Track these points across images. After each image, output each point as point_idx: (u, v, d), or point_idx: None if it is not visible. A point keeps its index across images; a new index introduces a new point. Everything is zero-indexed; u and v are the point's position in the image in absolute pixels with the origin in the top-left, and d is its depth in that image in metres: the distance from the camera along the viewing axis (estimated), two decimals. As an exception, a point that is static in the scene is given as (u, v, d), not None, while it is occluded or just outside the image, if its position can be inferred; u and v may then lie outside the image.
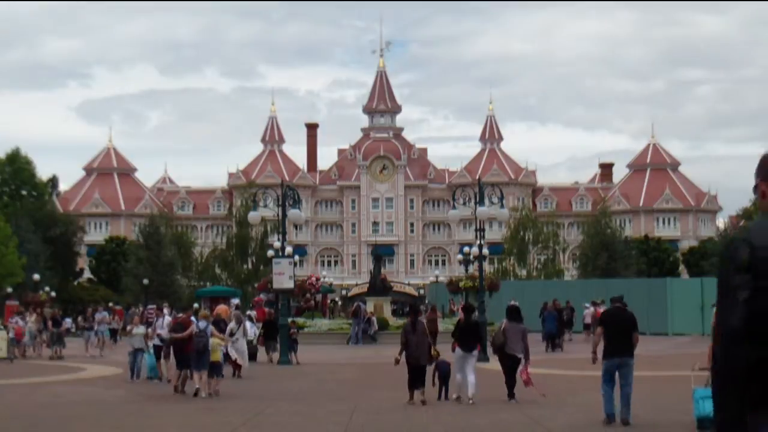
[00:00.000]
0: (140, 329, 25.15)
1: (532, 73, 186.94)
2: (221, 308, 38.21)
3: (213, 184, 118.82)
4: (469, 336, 18.65)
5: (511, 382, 18.21)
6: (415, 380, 18.06)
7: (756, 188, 3.90)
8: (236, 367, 25.06)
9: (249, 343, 34.25)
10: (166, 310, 32.67)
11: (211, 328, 21.78)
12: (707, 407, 12.69)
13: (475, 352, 18.68)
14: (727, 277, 3.77)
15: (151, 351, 24.78)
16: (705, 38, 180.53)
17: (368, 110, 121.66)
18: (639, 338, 14.99)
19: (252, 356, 33.01)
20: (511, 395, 18.23)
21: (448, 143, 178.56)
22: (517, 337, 18.04)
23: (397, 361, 18.33)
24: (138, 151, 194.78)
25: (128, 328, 26.82)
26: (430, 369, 18.84)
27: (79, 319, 54.06)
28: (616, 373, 14.47)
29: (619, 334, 14.53)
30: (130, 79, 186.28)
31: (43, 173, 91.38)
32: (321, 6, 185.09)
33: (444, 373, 18.81)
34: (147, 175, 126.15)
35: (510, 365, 18.17)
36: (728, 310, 3.73)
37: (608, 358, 14.59)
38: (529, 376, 18.16)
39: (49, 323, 36.84)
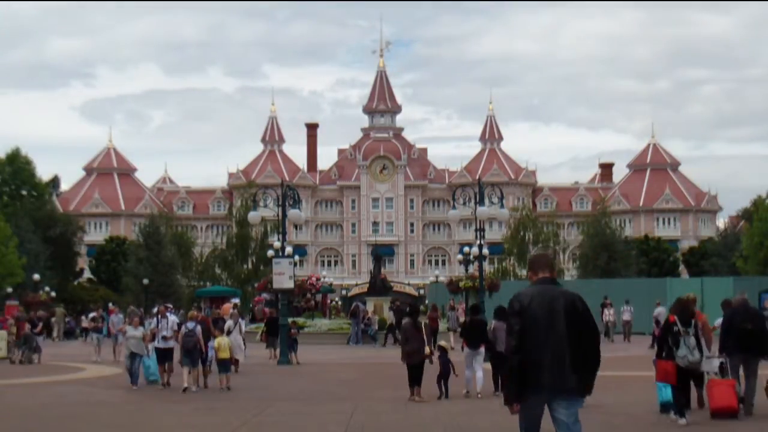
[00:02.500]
0: (138, 331, 22.72)
1: (536, 73, 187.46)
2: (225, 307, 39.06)
3: (213, 184, 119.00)
4: (476, 335, 19.44)
5: (498, 378, 19.17)
6: (414, 378, 18.75)
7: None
8: (233, 362, 25.08)
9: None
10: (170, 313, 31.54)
11: (198, 328, 22.21)
12: (667, 394, 14.50)
13: (482, 350, 19.45)
14: (510, 317, 7.82)
15: (151, 354, 23.01)
16: (710, 38, 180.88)
17: (368, 110, 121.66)
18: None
19: None
20: (497, 389, 19.22)
21: (450, 143, 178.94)
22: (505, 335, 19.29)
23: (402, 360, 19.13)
24: (140, 151, 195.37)
25: (124, 329, 24.78)
26: (431, 367, 19.47)
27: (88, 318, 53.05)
28: None
29: None
30: (134, 78, 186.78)
31: (45, 173, 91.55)
32: (325, 6, 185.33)
33: (444, 372, 19.20)
34: (147, 175, 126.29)
35: (501, 362, 18.90)
36: (510, 335, 7.77)
37: None
38: None
39: (26, 325, 33.88)
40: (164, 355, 22.40)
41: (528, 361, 7.58)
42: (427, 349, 19.01)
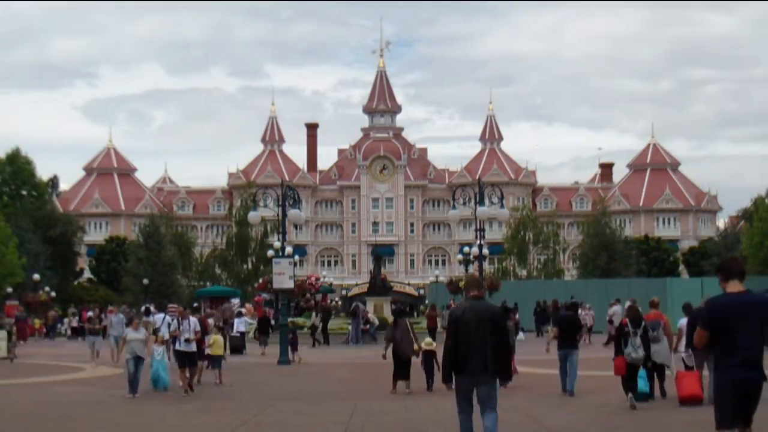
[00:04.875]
0: (139, 333, 20.92)
1: (539, 73, 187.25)
2: (248, 307, 40.34)
3: (213, 184, 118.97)
4: None
5: None
6: (401, 372, 20.28)
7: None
8: (209, 359, 24.82)
9: (238, 336, 36.52)
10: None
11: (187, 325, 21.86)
12: (642, 385, 17.02)
13: None
14: (448, 324, 10.92)
15: (158, 357, 21.25)
16: (713, 38, 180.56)
17: (368, 110, 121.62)
18: (584, 336, 20.34)
19: (238, 350, 35.35)
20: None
21: (453, 143, 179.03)
22: None
23: (384, 357, 20.93)
24: (142, 151, 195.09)
25: (125, 332, 23.09)
26: (417, 361, 20.86)
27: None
28: (566, 360, 19.09)
29: (567, 333, 19.21)
30: (137, 78, 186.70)
31: (46, 173, 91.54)
32: (329, 6, 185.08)
33: (429, 365, 20.43)
34: (147, 175, 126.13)
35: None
36: (449, 335, 10.70)
37: (560, 350, 19.17)
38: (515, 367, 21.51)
39: None
40: (186, 359, 20.87)
41: (460, 355, 10.51)
42: (415, 346, 20.46)
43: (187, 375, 20.84)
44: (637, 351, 16.57)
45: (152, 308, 44.17)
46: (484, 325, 10.49)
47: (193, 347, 21.02)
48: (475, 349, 10.45)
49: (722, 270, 8.50)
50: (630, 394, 16.57)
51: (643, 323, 16.98)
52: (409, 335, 20.52)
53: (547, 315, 48.83)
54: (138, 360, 20.50)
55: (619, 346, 16.88)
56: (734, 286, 8.38)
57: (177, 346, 20.99)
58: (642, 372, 17.09)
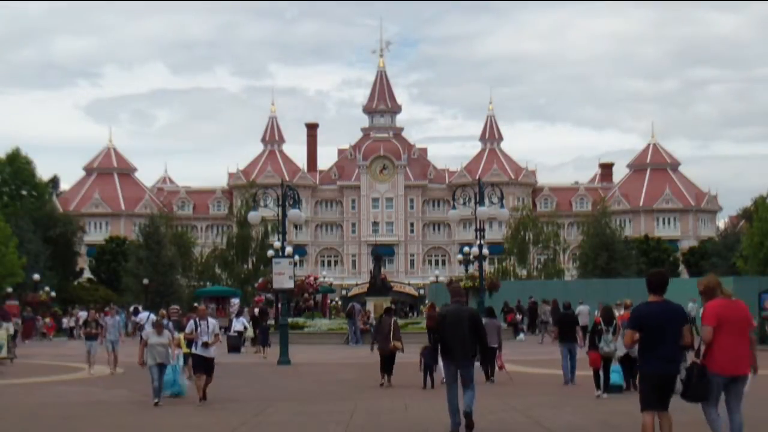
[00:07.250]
0: (163, 338, 19.44)
1: (543, 73, 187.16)
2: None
3: (213, 184, 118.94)
4: None
5: (488, 368, 22.42)
6: (385, 366, 22.03)
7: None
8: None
9: (235, 336, 37.23)
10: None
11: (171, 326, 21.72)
12: (617, 378, 19.56)
13: None
14: (436, 321, 15.12)
15: (180, 362, 20.50)
16: (718, 37, 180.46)
17: (368, 110, 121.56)
18: (581, 332, 23.36)
19: (236, 349, 36.00)
20: (488, 379, 22.18)
21: (455, 143, 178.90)
22: (493, 331, 22.33)
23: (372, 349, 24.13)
24: (144, 151, 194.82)
25: (146, 335, 20.24)
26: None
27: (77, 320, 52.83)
28: (568, 353, 21.63)
29: (567, 329, 21.88)
30: (141, 78, 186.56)
31: (49, 173, 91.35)
32: (333, 5, 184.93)
33: (427, 363, 20.90)
34: (148, 175, 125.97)
35: (488, 355, 21.65)
36: (434, 331, 16.75)
37: (561, 344, 21.74)
38: (503, 362, 23.25)
39: None
40: (202, 364, 19.15)
41: (446, 345, 13.78)
42: (391, 344, 21.92)
43: (203, 381, 19.16)
44: (609, 345, 19.10)
45: (140, 308, 44.36)
46: (463, 323, 13.62)
47: (211, 352, 19.33)
48: (457, 341, 13.59)
49: (647, 283, 10.68)
50: (599, 391, 18.88)
51: (615, 321, 19.42)
52: (389, 334, 22.14)
53: (522, 314, 50.67)
54: (162, 366, 19.25)
55: (593, 342, 19.34)
56: (654, 297, 10.53)
57: (194, 350, 19.51)
58: (616, 366, 19.38)
